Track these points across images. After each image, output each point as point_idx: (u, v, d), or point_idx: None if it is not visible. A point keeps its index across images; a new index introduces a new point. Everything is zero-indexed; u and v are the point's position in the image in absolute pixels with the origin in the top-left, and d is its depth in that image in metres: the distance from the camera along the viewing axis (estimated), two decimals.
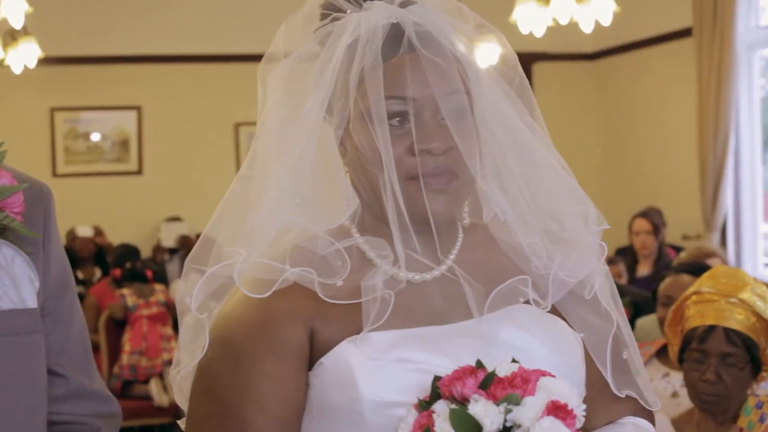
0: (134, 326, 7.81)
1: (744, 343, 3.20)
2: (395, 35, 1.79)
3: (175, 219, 10.85)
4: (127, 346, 7.79)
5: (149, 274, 8.14)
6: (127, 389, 7.77)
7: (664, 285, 4.75)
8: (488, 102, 1.83)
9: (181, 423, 1.85)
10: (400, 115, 1.76)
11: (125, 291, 7.94)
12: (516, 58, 1.91)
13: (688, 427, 3.32)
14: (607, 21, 7.89)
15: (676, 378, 4.11)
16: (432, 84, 1.76)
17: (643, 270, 8.14)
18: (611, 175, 11.35)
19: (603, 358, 1.87)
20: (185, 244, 10.17)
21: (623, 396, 1.88)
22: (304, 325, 1.74)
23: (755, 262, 9.29)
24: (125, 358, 7.75)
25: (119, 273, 8.24)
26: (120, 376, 7.76)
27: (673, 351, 3.42)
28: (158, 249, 10.57)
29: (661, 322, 4.60)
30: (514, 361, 1.65)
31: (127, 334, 7.82)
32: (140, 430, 7.98)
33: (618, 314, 1.91)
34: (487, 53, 1.94)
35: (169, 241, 10.57)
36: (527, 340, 1.78)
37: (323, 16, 1.85)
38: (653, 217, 8.23)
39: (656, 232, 8.07)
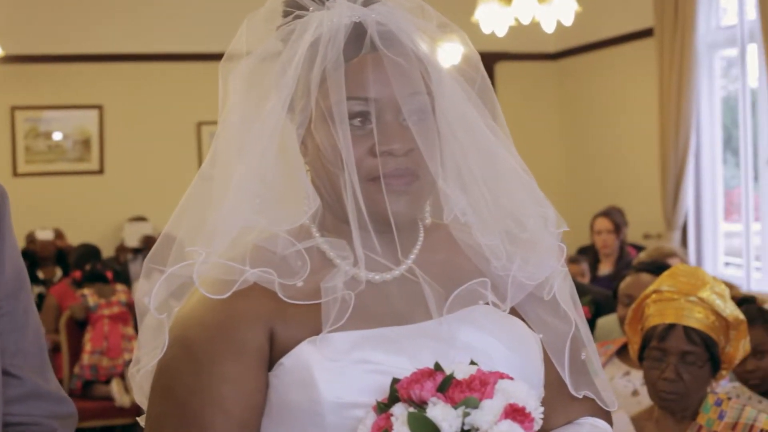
0: (95, 326, 7.75)
1: (703, 341, 3.22)
2: (358, 34, 1.78)
3: (139, 219, 10.79)
4: (88, 346, 7.73)
5: (110, 275, 8.09)
6: (88, 389, 7.71)
7: (625, 284, 4.78)
8: (450, 103, 1.83)
9: (141, 420, 1.84)
10: (362, 115, 1.75)
11: (86, 291, 7.88)
12: (478, 58, 1.90)
13: (647, 425, 3.34)
14: (568, 21, 7.93)
15: (637, 376, 4.13)
16: (394, 85, 1.75)
17: (605, 269, 8.19)
18: (573, 174, 11.40)
19: (561, 359, 1.88)
20: (149, 244, 10.09)
21: (581, 396, 1.89)
22: (263, 326, 1.73)
23: (716, 261, 9.35)
24: (86, 358, 7.69)
25: (79, 275, 8.18)
26: (81, 376, 7.71)
27: (633, 349, 3.43)
28: (122, 249, 10.51)
29: (622, 320, 4.62)
30: (472, 362, 1.65)
31: (89, 334, 7.76)
32: (101, 430, 7.93)
33: (577, 315, 1.92)
34: (450, 53, 1.94)
35: (132, 241, 10.51)
36: (487, 341, 1.78)
37: (286, 14, 1.83)
38: (614, 216, 8.28)
39: (617, 231, 8.12)
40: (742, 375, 4.24)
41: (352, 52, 1.77)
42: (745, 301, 4.44)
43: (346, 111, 1.74)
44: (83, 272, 8.15)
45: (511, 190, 1.87)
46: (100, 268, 8.25)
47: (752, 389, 4.26)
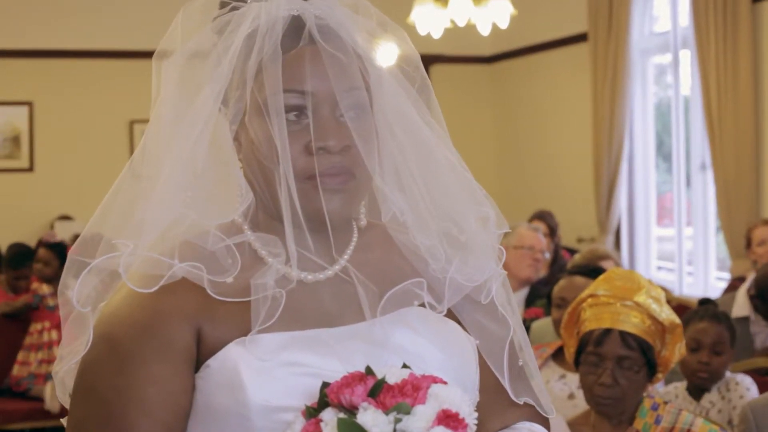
0: (61, 330, 7.51)
1: (639, 346, 3.21)
2: (296, 27, 1.73)
3: (69, 218, 10.64)
4: (56, 351, 7.48)
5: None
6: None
7: (558, 287, 4.78)
8: (389, 100, 1.79)
9: (65, 421, 1.77)
10: (298, 109, 1.71)
11: (46, 289, 7.66)
12: (418, 57, 1.87)
13: (584, 429, 3.33)
14: (504, 24, 7.94)
15: (573, 380, 4.13)
16: (331, 79, 1.71)
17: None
18: (506, 178, 11.42)
19: (500, 365, 1.84)
20: None
21: (521, 403, 1.86)
22: (191, 325, 1.68)
23: (648, 265, 9.43)
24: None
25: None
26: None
27: (570, 353, 3.42)
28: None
29: (556, 323, 4.63)
30: (405, 366, 1.61)
31: (54, 335, 7.54)
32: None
33: (514, 319, 1.88)
34: (390, 51, 1.90)
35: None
36: (420, 344, 1.74)
37: (222, 5, 1.79)
38: (549, 220, 8.29)
39: (552, 234, 8.13)
40: (693, 366, 4.31)
41: (289, 45, 1.72)
42: (705, 302, 4.60)
43: (282, 104, 1.69)
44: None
45: (450, 189, 1.83)
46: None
47: (696, 382, 4.35)
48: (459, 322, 1.84)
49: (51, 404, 7.39)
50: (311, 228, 1.72)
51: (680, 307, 6.39)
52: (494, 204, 1.87)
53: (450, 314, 1.83)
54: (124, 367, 1.66)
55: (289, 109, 1.70)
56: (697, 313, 4.51)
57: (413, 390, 1.53)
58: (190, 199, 1.73)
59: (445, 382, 1.58)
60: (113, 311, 1.71)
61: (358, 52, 1.76)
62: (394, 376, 1.56)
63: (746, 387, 4.36)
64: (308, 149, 1.70)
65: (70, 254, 1.75)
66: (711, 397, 4.38)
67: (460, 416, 1.53)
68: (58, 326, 7.52)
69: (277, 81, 1.69)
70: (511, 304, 1.90)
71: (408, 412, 1.52)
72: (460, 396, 1.57)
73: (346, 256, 1.80)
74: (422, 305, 1.80)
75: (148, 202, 1.72)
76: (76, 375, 1.73)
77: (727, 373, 4.45)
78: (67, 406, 1.75)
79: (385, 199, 1.83)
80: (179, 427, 1.67)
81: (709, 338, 4.36)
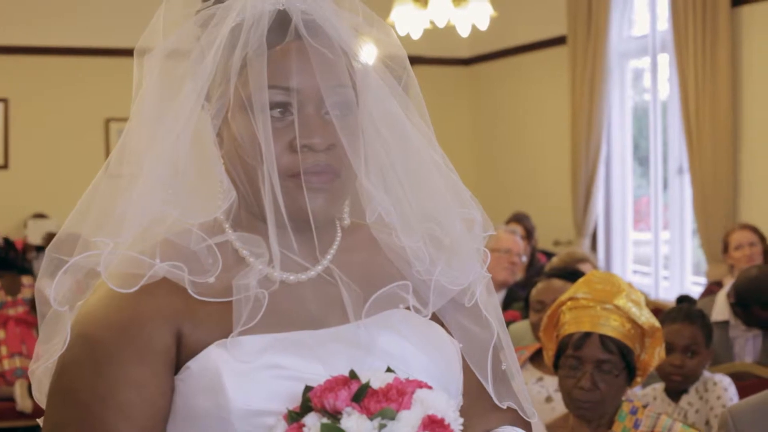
0: (6, 328, 7.46)
1: (619, 349, 3.20)
2: (282, 22, 1.70)
3: (42, 216, 10.57)
4: (3, 350, 7.43)
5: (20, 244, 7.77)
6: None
7: (536, 290, 4.76)
8: (375, 98, 1.76)
9: (41, 421, 1.73)
10: (282, 106, 1.67)
11: None
12: (405, 54, 1.84)
13: None
14: (483, 25, 7.93)
15: (550, 382, 4.12)
16: (318, 76, 1.68)
17: None
18: (484, 181, 11.41)
19: (484, 369, 1.81)
20: None
21: (505, 407, 1.83)
22: (170, 327, 1.64)
23: (624, 269, 9.44)
24: (6, 364, 7.39)
25: None
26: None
27: (549, 356, 3.40)
28: (25, 246, 10.25)
29: (534, 326, 4.61)
30: (389, 370, 1.58)
31: (2, 335, 7.46)
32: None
33: (497, 323, 1.86)
34: (375, 48, 1.88)
35: (36, 238, 10.28)
36: (405, 347, 1.71)
37: None
38: (526, 222, 8.29)
39: (529, 236, 8.12)
40: (666, 368, 4.31)
41: (275, 40, 1.68)
42: (683, 300, 4.59)
43: (266, 100, 1.66)
44: None
45: (435, 190, 1.81)
46: (13, 256, 7.91)
47: (670, 385, 4.34)
48: (443, 325, 1.82)
49: (23, 404, 7.32)
50: (294, 227, 1.69)
51: (656, 311, 6.38)
52: (480, 206, 1.84)
53: (433, 317, 1.80)
54: (102, 369, 1.63)
55: (273, 105, 1.67)
56: (670, 314, 4.51)
57: (398, 395, 1.50)
58: (172, 196, 1.70)
59: (430, 387, 1.55)
60: (91, 311, 1.68)
61: (344, 48, 1.73)
62: (378, 380, 1.53)
63: (724, 387, 4.35)
64: (292, 147, 1.66)
65: (48, 252, 1.72)
66: (689, 398, 4.38)
67: (446, 422, 1.50)
68: (3, 324, 7.48)
69: (261, 77, 1.66)
70: (495, 306, 1.87)
71: (393, 418, 1.49)
72: (446, 401, 1.54)
73: (329, 257, 1.77)
74: (407, 308, 1.77)
75: (129, 199, 1.69)
76: (53, 375, 1.69)
77: (706, 373, 4.44)
78: (44, 406, 1.72)
79: (370, 199, 1.79)
80: (158, 430, 1.64)
81: (682, 340, 4.35)
